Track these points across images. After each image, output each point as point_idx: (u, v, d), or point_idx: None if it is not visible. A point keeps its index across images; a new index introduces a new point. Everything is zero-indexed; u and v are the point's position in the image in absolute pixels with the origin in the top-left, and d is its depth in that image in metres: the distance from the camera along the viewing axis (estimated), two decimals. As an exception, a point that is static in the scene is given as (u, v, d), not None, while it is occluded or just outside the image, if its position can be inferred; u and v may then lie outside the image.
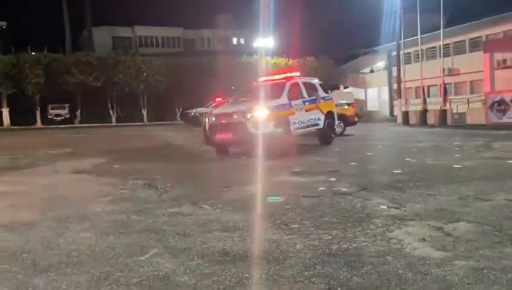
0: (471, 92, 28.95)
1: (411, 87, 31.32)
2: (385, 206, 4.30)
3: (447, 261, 2.77)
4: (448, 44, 29.86)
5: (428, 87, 30.04)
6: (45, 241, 3.48)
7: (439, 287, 2.40)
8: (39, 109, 31.38)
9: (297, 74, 11.15)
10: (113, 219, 4.13)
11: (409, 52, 31.49)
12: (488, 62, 24.53)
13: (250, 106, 9.11)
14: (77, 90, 31.84)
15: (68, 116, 32.86)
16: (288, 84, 10.01)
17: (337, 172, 6.65)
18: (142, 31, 55.44)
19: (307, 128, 10.26)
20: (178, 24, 55.40)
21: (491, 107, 19.52)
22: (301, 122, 9.91)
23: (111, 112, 33.86)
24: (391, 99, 37.56)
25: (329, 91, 12.58)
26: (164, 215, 4.19)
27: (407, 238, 3.26)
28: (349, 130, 16.11)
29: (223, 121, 9.15)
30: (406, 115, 24.74)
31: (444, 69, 24.88)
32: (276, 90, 9.86)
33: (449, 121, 21.94)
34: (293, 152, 9.04)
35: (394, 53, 30.66)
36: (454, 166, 6.97)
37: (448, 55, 30.01)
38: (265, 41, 34.21)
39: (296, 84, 10.37)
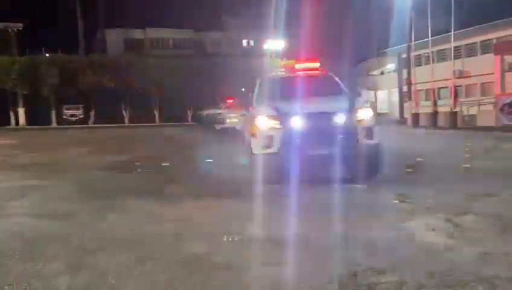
0: (482, 94, 28.94)
1: (421, 90, 31.40)
2: (397, 201, 4.59)
3: (454, 247, 3.06)
4: (459, 46, 29.91)
5: (439, 89, 30.12)
6: (88, 227, 3.84)
7: (447, 267, 2.69)
8: (54, 109, 32.09)
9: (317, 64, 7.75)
10: (144, 209, 4.49)
11: (419, 54, 31.58)
12: (499, 64, 24.56)
13: (358, 101, 6.11)
14: (91, 91, 32.50)
15: (82, 116, 33.57)
16: (335, 78, 7.16)
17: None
18: (153, 33, 56.14)
19: None
20: (189, 26, 55.99)
21: (502, 109, 19.59)
22: None
23: (124, 113, 34.48)
24: (401, 102, 37.54)
25: None
26: (191, 208, 4.53)
27: (418, 228, 3.55)
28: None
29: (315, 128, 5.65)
30: (416, 117, 24.88)
31: (454, 72, 24.95)
32: (329, 84, 6.92)
33: (459, 123, 22.03)
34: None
35: (404, 55, 30.77)
36: (464, 166, 7.22)
37: (459, 58, 30.06)
38: (275, 44, 34.54)
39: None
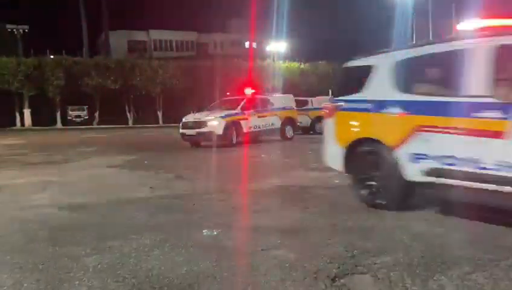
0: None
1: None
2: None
3: (445, 234, 3.36)
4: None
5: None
6: (105, 218, 4.15)
7: (438, 249, 2.99)
8: (59, 110, 32.46)
9: None
10: (157, 201, 4.80)
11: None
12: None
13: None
14: (96, 93, 32.87)
15: (87, 117, 33.96)
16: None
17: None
18: (156, 35, 56.69)
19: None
20: (192, 28, 56.47)
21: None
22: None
23: (128, 114, 34.83)
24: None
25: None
26: (200, 200, 4.84)
27: (412, 219, 3.84)
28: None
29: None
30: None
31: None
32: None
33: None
34: None
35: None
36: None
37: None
38: (277, 46, 34.85)
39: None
